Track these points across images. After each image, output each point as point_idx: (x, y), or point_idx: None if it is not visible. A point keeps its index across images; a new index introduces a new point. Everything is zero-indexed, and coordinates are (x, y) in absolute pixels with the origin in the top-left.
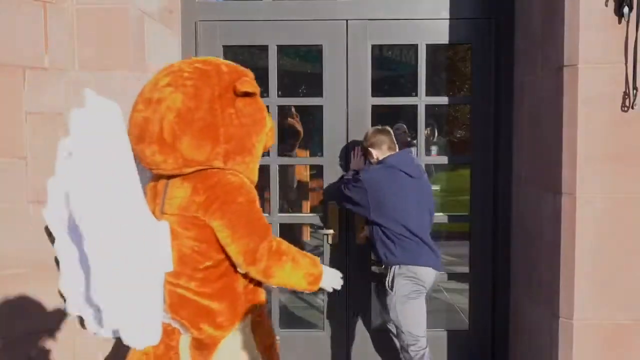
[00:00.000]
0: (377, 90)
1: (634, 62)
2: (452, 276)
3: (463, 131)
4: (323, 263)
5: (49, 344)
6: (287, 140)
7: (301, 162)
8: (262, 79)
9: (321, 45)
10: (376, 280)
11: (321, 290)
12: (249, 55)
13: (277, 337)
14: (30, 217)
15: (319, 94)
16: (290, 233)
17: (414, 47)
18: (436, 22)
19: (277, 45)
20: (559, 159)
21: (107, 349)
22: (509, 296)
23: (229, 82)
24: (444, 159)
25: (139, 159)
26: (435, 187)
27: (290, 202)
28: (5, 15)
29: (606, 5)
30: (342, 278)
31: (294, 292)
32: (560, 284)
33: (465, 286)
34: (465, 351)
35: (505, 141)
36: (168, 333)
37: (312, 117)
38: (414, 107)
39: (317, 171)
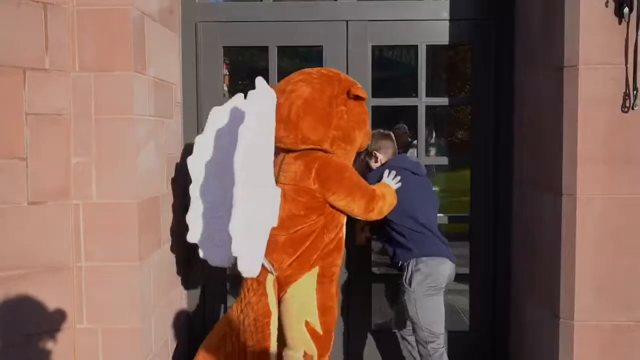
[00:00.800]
0: (377, 91)
1: (634, 62)
2: None
3: (464, 132)
4: None
5: (49, 344)
6: None
7: None
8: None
9: (321, 46)
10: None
11: None
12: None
13: (338, 308)
14: (30, 218)
15: None
16: None
17: (414, 48)
18: (436, 23)
19: (278, 46)
20: (559, 160)
21: (108, 349)
22: (509, 297)
23: (345, 87)
24: (444, 160)
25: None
26: (435, 188)
27: None
28: (6, 16)
29: (606, 6)
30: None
31: None
32: (560, 285)
33: (466, 287)
34: (465, 352)
35: (506, 142)
36: (261, 271)
37: None
38: (415, 108)
39: None
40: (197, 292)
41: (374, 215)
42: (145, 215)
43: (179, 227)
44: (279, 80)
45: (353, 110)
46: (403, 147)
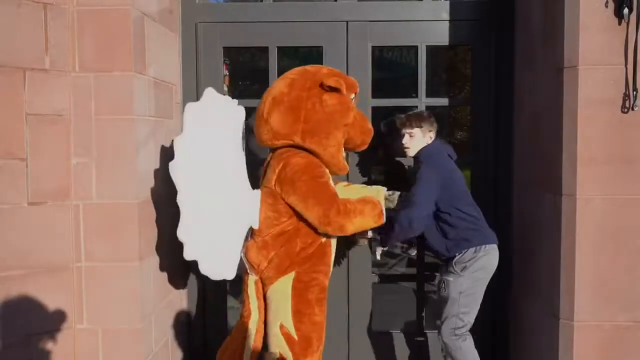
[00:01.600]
0: (377, 92)
1: (634, 63)
2: None
3: (463, 132)
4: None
5: (49, 345)
6: None
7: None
8: (262, 80)
9: (321, 46)
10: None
11: None
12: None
13: (318, 318)
14: (30, 218)
15: None
16: None
17: (414, 49)
18: (436, 24)
19: (278, 47)
20: (559, 160)
21: (108, 349)
22: (509, 297)
23: (318, 79)
24: None
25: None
26: None
27: None
28: (6, 16)
29: (606, 7)
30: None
31: None
32: (560, 285)
33: None
34: None
35: (505, 142)
36: (244, 272)
37: None
38: (414, 109)
39: None
40: (197, 292)
41: (332, 230)
42: (145, 216)
43: None
44: None
45: (328, 102)
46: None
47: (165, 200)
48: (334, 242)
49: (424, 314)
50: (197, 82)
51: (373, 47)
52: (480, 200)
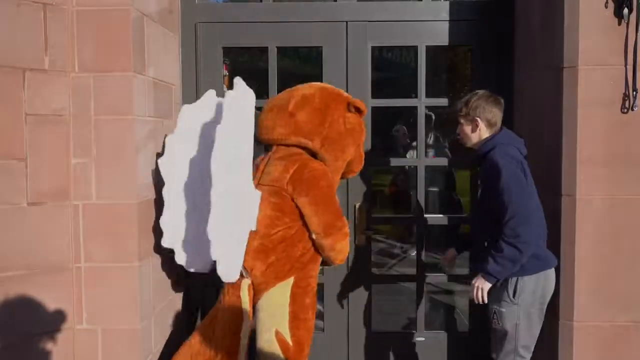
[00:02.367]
0: (377, 92)
1: (633, 63)
2: (452, 278)
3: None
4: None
5: (49, 345)
6: None
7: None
8: (262, 80)
9: (321, 46)
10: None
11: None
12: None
13: (311, 322)
14: (29, 218)
15: None
16: None
17: (413, 49)
18: (436, 24)
19: (277, 47)
20: (559, 161)
21: (107, 349)
22: None
23: (345, 98)
24: (444, 161)
25: (258, 128)
26: (434, 189)
27: None
28: (5, 16)
29: (606, 7)
30: None
31: None
32: (560, 286)
33: (466, 288)
34: (465, 353)
35: None
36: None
37: None
38: (414, 109)
39: None
40: (197, 292)
41: (329, 242)
42: (145, 216)
43: None
44: (279, 81)
45: (349, 120)
46: (402, 148)
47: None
48: None
49: (423, 314)
50: (197, 83)
51: (373, 47)
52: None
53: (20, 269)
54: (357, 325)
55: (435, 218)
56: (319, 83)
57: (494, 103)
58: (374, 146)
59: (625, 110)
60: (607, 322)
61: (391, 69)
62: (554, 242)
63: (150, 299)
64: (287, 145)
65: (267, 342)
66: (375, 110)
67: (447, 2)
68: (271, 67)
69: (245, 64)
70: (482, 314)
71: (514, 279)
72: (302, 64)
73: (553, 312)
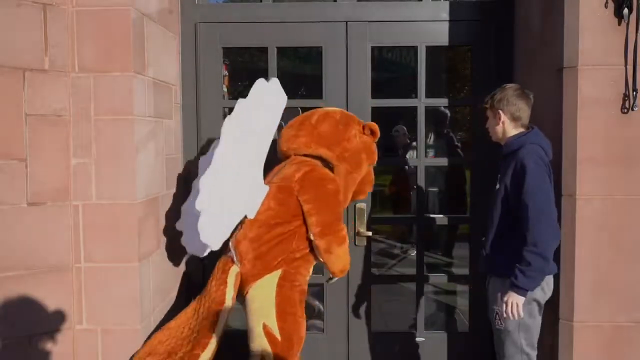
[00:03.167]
0: (377, 92)
1: (633, 63)
2: (452, 278)
3: (463, 132)
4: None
5: (49, 345)
6: None
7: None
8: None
9: (321, 46)
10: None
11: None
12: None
13: (301, 319)
14: (30, 218)
15: (319, 95)
16: None
17: (413, 49)
18: (436, 24)
19: (277, 47)
20: (559, 161)
21: (107, 349)
22: None
23: (360, 122)
24: (444, 161)
25: (280, 140)
26: (434, 189)
27: None
28: (5, 17)
29: (606, 7)
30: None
31: None
32: (560, 286)
33: (466, 288)
34: (465, 353)
35: None
36: (227, 261)
37: None
38: (414, 109)
39: None
40: (196, 292)
41: (325, 242)
42: (144, 216)
43: None
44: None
45: (365, 140)
46: (402, 148)
47: (165, 201)
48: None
49: (423, 315)
50: (197, 83)
51: (373, 47)
52: (480, 201)
53: (20, 269)
54: (357, 325)
55: (435, 218)
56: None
57: (519, 97)
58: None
59: (625, 110)
60: (607, 322)
61: (391, 69)
62: None
63: (150, 299)
64: (306, 156)
65: (257, 335)
66: (375, 111)
67: (447, 2)
68: (271, 68)
69: (245, 63)
70: (482, 314)
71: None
72: (302, 64)
73: (553, 312)
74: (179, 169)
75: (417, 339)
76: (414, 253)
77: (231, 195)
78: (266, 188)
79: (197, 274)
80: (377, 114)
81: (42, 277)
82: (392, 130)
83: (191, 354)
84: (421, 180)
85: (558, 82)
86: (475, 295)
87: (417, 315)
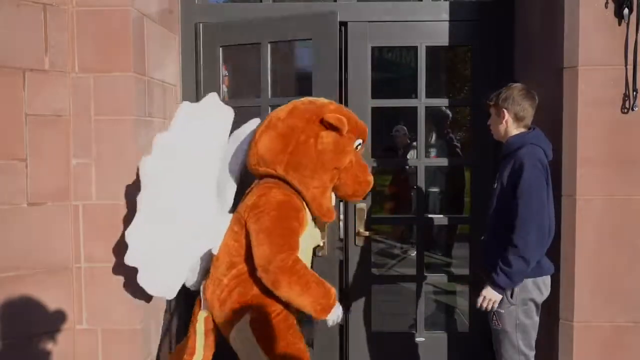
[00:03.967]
0: (377, 92)
1: (634, 64)
2: (452, 278)
3: (462, 133)
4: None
5: (49, 345)
6: None
7: None
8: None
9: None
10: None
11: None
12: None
13: (302, 346)
14: (30, 218)
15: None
16: None
17: (414, 49)
18: (436, 24)
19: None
20: (559, 161)
21: (107, 350)
22: None
23: (323, 113)
24: (444, 161)
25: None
26: (435, 189)
27: None
28: (5, 17)
29: (606, 7)
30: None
31: None
32: (560, 286)
33: (466, 288)
34: (465, 353)
35: None
36: (197, 303)
37: None
38: (414, 109)
39: None
40: (197, 293)
41: (265, 279)
42: None
43: None
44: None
45: (323, 140)
46: (402, 148)
47: None
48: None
49: (423, 315)
50: (197, 83)
51: (373, 48)
52: (480, 201)
53: (21, 269)
54: (357, 325)
55: (436, 218)
56: (306, 98)
57: (525, 97)
58: (374, 146)
59: (625, 110)
60: (607, 322)
61: (391, 69)
62: (554, 242)
63: (151, 299)
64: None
65: None
66: (375, 111)
67: (447, 3)
68: (263, 65)
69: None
70: (482, 314)
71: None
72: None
73: (553, 312)
74: None
75: (417, 339)
76: (414, 253)
77: (171, 237)
78: (228, 217)
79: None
80: (378, 114)
81: (42, 277)
82: (393, 130)
83: None
84: (421, 181)
85: (558, 82)
86: (475, 295)
87: (417, 316)
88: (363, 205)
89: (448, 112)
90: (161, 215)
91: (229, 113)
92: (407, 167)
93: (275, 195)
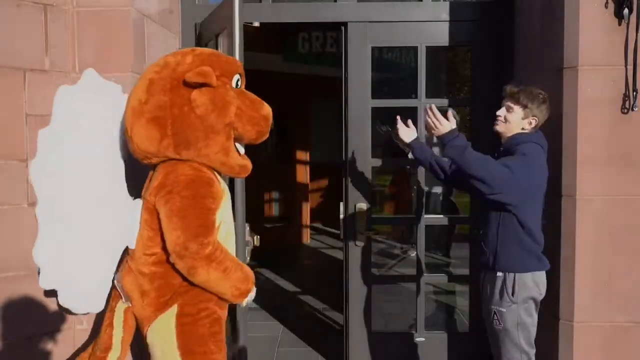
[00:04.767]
0: (377, 92)
1: (634, 64)
2: (452, 278)
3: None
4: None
5: (49, 345)
6: None
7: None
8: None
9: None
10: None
11: None
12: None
13: (217, 356)
14: (30, 218)
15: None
16: None
17: (414, 49)
18: (436, 24)
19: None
20: (559, 161)
21: None
22: None
23: (182, 74)
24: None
25: None
26: (436, 190)
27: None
28: (6, 17)
29: (606, 7)
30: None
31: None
32: (560, 286)
33: (466, 288)
34: (465, 353)
35: None
36: (115, 295)
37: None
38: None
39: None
40: None
41: (181, 267)
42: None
43: None
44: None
45: (198, 101)
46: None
47: None
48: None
49: (423, 315)
50: None
51: (373, 48)
52: (480, 201)
53: (20, 269)
54: (357, 325)
55: (435, 219)
56: (157, 63)
57: (548, 108)
58: (374, 146)
59: (625, 110)
60: (607, 322)
61: (391, 69)
62: (554, 242)
63: None
64: None
65: None
66: (375, 111)
67: (447, 3)
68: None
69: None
70: (482, 314)
71: (512, 275)
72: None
73: (553, 312)
74: None
75: (417, 339)
76: (414, 254)
77: (81, 244)
78: (139, 203)
79: None
80: (378, 114)
81: None
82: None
83: None
84: (421, 181)
85: (558, 82)
86: (475, 295)
87: (417, 316)
88: (363, 206)
89: (454, 112)
90: (65, 224)
91: (114, 88)
92: (407, 167)
93: (184, 171)
